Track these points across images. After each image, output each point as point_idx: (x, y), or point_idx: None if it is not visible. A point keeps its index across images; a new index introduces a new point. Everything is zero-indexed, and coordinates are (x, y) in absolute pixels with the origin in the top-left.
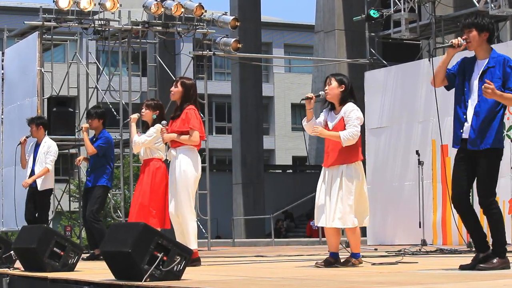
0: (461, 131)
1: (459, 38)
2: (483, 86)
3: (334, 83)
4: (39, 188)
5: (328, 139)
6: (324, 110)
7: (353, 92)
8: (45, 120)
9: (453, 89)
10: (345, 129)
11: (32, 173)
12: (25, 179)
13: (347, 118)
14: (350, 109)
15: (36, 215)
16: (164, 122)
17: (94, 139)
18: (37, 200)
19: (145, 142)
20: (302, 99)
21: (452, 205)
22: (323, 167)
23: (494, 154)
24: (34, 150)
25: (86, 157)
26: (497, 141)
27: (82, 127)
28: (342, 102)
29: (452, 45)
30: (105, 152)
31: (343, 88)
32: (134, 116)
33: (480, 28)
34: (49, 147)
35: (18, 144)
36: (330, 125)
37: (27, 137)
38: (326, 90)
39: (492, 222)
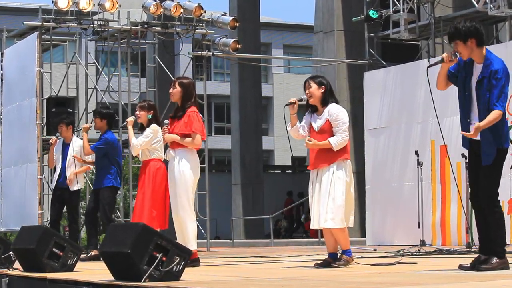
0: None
1: (449, 53)
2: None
3: (314, 85)
4: (71, 188)
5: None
6: (306, 113)
7: (333, 92)
8: (73, 119)
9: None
10: (332, 132)
11: (62, 173)
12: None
13: (335, 122)
14: (336, 112)
15: (65, 215)
16: (166, 121)
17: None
18: (67, 200)
19: (143, 144)
20: (286, 105)
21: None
22: (311, 170)
23: (501, 153)
24: (62, 150)
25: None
26: (501, 141)
27: (82, 127)
28: (324, 103)
29: (443, 60)
30: (106, 153)
31: (324, 89)
32: (130, 119)
33: (464, 37)
34: (81, 147)
35: (50, 145)
36: (315, 126)
37: (57, 138)
38: (308, 93)
39: (493, 222)
